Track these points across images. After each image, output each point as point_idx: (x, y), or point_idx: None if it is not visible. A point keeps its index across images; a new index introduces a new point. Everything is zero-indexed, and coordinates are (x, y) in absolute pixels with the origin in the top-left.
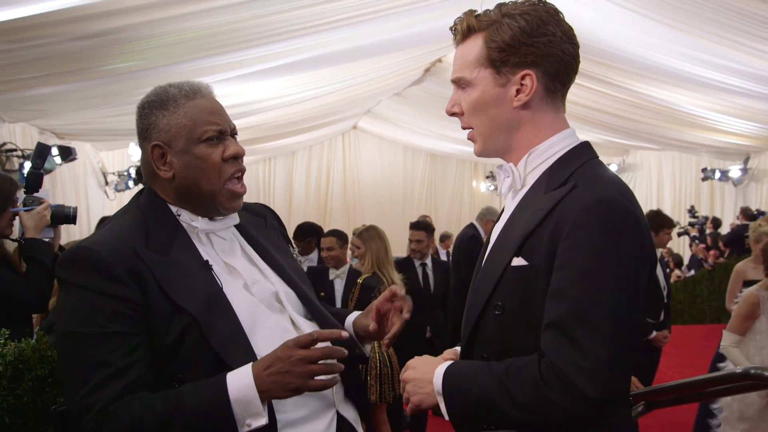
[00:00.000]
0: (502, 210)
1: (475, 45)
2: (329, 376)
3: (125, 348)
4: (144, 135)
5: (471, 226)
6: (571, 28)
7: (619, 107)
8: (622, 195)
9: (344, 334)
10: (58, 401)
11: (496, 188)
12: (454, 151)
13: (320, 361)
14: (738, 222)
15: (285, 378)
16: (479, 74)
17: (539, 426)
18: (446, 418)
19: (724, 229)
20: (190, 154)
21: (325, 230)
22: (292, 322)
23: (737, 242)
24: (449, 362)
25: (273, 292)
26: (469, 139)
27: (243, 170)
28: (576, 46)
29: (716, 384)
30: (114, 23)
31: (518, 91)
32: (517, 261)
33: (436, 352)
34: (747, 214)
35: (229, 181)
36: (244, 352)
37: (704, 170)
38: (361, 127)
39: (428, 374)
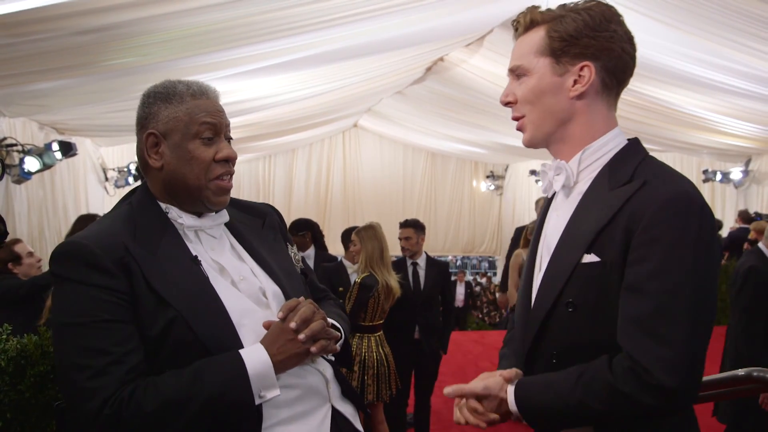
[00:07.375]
0: (546, 209)
1: (537, 35)
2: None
3: (120, 336)
4: (142, 123)
5: None
6: (630, 32)
7: (620, 107)
8: (696, 190)
9: (298, 300)
10: (60, 397)
11: (496, 188)
12: (455, 151)
13: (300, 335)
14: (736, 225)
15: (292, 347)
16: (538, 63)
17: (620, 420)
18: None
19: (725, 231)
20: (182, 149)
21: (324, 228)
22: None
23: (735, 245)
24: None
25: (260, 289)
26: (518, 129)
27: (231, 173)
28: (635, 50)
29: (718, 386)
30: (115, 18)
31: (575, 82)
32: (589, 258)
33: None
34: (744, 217)
35: (217, 179)
36: (232, 345)
37: (705, 172)
38: (361, 125)
39: (501, 393)
